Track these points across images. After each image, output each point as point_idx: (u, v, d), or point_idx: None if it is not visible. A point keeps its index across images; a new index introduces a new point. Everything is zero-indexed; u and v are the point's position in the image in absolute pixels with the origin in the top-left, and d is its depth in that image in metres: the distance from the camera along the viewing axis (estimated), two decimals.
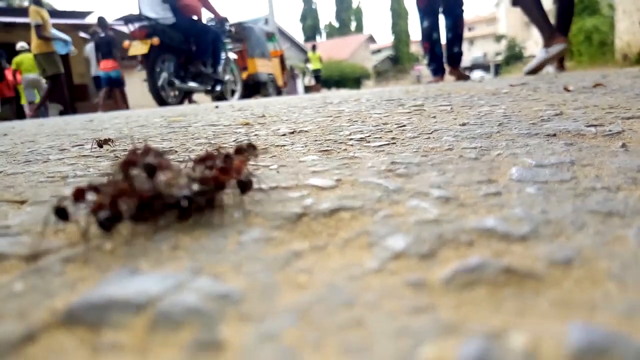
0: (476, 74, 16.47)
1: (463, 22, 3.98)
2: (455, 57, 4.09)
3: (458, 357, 0.23)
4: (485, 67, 18.53)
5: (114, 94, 7.65)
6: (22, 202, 0.64)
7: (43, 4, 6.15)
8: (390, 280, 0.33)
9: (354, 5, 27.35)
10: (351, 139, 1.07)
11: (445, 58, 4.25)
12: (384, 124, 1.36)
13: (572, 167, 0.63)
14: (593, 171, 0.60)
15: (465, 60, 21.54)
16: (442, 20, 4.12)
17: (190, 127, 1.75)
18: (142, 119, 2.56)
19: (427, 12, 3.88)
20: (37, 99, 7.42)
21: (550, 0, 4.12)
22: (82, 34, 11.85)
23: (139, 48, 4.87)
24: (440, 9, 4.01)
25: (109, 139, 1.18)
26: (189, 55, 5.18)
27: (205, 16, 5.48)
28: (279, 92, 10.57)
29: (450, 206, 0.49)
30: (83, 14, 13.02)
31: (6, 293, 0.35)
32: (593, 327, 0.25)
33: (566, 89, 2.20)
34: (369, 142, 1.01)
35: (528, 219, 0.43)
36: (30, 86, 7.51)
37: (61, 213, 0.44)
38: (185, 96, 5.78)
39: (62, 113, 7.32)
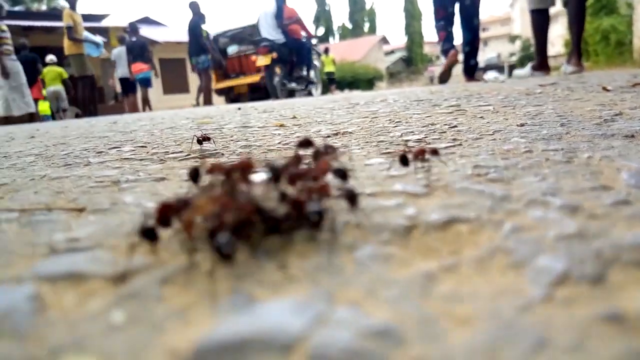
0: (490, 75, 16.30)
1: (479, 37, 4.31)
2: (471, 69, 4.45)
3: None
4: (499, 68, 18.34)
5: (134, 96, 7.83)
6: (81, 210, 0.59)
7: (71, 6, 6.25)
8: (574, 312, 0.27)
9: (368, 7, 27.21)
10: (407, 140, 1.01)
11: (462, 69, 4.56)
12: (431, 124, 1.30)
13: None
14: None
15: (479, 61, 21.40)
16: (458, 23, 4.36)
17: (223, 129, 1.69)
18: (168, 121, 2.52)
19: (447, 20, 4.19)
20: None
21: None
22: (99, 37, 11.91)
23: (264, 60, 6.81)
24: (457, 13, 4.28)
25: (208, 137, 1.10)
26: (292, 64, 7.11)
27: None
28: (291, 94, 10.53)
29: (581, 217, 0.42)
30: (99, 17, 13.09)
31: (105, 326, 0.29)
32: None
33: (605, 89, 2.11)
34: (429, 143, 0.95)
35: None
36: (52, 97, 7.64)
37: (149, 234, 0.38)
38: (290, 94, 7.20)
39: (77, 116, 7.36)
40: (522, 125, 1.11)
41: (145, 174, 0.83)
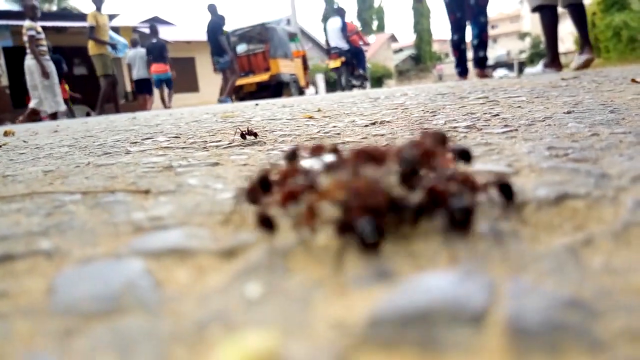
0: (499, 72, 16.20)
1: (487, 31, 4.47)
2: (481, 61, 4.54)
3: None
4: (508, 66, 18.23)
5: (143, 96, 7.91)
6: (146, 192, 0.56)
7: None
8: None
9: (376, 5, 27.11)
10: (456, 127, 0.98)
11: (473, 62, 4.64)
12: (470, 113, 1.27)
13: None
14: None
15: (489, 59, 21.27)
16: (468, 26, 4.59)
17: (251, 121, 1.67)
18: (189, 116, 2.50)
19: (457, 26, 4.45)
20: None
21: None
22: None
23: (335, 64, 8.79)
24: (467, 18, 4.45)
25: (255, 132, 1.05)
26: (354, 66, 8.93)
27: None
28: (301, 92, 10.50)
29: None
30: (109, 17, 13.12)
31: (243, 299, 0.26)
32: None
33: (634, 80, 2.07)
34: (481, 129, 0.92)
35: None
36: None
37: (266, 222, 0.35)
38: (350, 88, 8.68)
39: (88, 114, 7.39)
40: (569, 112, 1.08)
41: (195, 160, 0.81)
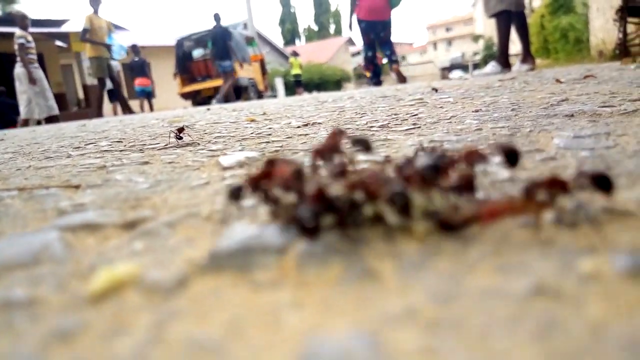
0: (455, 74, 16.61)
1: (394, 50, 5.68)
2: (393, 60, 5.65)
3: None
4: (463, 67, 18.78)
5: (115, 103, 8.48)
6: (77, 187, 0.65)
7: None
8: None
9: (333, 9, 27.46)
10: (372, 127, 1.09)
11: (389, 64, 5.72)
12: (394, 114, 1.39)
13: (609, 137, 0.66)
14: (632, 139, 0.63)
15: (444, 61, 21.73)
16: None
17: (195, 126, 1.75)
18: (138, 122, 2.55)
19: (370, 46, 5.52)
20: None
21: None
22: (59, 43, 11.69)
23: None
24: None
25: (182, 128, 1.17)
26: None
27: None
28: (259, 96, 10.56)
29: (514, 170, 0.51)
30: (59, 22, 12.85)
31: (129, 252, 0.36)
32: None
33: (558, 81, 2.25)
34: (391, 127, 1.04)
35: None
36: None
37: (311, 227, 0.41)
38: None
39: (39, 123, 7.31)
40: (476, 111, 1.21)
41: (129, 160, 0.90)
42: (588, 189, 0.36)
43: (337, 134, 0.54)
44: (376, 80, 5.69)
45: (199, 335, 0.23)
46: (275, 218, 0.37)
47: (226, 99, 7.66)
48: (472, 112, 1.21)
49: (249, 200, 0.46)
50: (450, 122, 1.03)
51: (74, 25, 12.79)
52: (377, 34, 5.44)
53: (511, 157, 0.42)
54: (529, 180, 0.35)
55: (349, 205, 0.35)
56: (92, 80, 12.27)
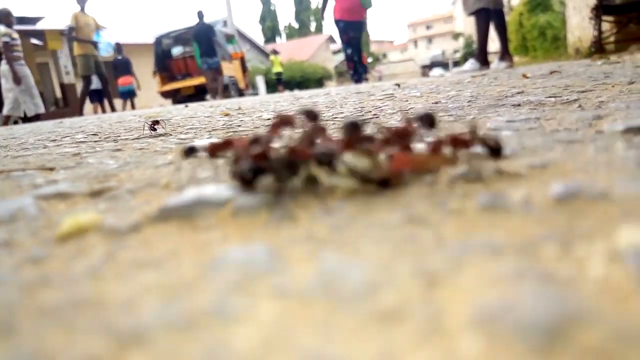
0: (435, 72, 16.75)
1: (362, 54, 6.12)
2: (365, 70, 6.35)
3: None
4: (444, 65, 19.02)
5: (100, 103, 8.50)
6: (51, 169, 0.70)
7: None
8: None
9: (313, 6, 27.54)
10: (336, 118, 1.16)
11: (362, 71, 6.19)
12: (361, 107, 1.46)
13: (537, 121, 0.74)
14: (555, 122, 0.71)
15: (424, 59, 21.88)
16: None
17: (171, 120, 1.80)
18: (115, 118, 2.59)
19: (349, 44, 5.79)
20: None
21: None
22: (34, 41, 11.55)
23: None
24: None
25: (157, 121, 1.22)
26: None
27: None
28: (240, 94, 10.58)
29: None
30: (34, 20, 12.71)
31: (94, 211, 0.42)
32: (568, 184, 0.35)
33: (524, 76, 2.35)
34: (350, 116, 1.11)
35: (509, 147, 0.53)
36: None
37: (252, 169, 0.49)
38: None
39: (16, 122, 7.29)
40: (436, 103, 1.29)
41: (102, 148, 0.95)
42: (483, 151, 0.43)
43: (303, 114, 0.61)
44: (357, 77, 5.90)
45: (143, 258, 0.29)
46: (232, 178, 0.43)
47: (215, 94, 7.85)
48: (432, 104, 1.28)
49: (208, 170, 0.52)
50: (407, 112, 1.10)
51: (50, 22, 12.65)
52: (354, 33, 5.77)
53: (429, 121, 0.52)
54: (435, 138, 0.42)
55: (287, 166, 0.41)
56: (69, 79, 12.19)
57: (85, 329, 0.21)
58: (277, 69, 14.12)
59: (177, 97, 9.82)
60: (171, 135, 1.16)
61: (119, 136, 1.25)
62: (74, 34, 6.34)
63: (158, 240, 0.33)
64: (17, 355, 0.19)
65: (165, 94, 9.99)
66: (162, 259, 0.29)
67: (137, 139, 1.11)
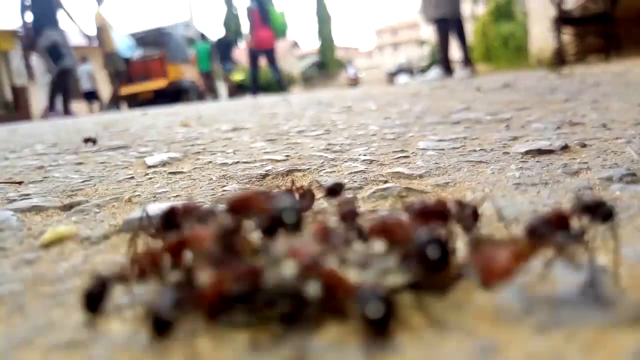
0: (401, 79, 17.04)
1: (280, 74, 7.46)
2: (278, 78, 7.39)
3: None
4: (409, 72, 19.41)
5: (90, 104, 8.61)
6: (20, 183, 0.78)
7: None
8: None
9: (278, 10, 27.70)
10: (289, 132, 1.27)
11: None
12: (318, 121, 1.57)
13: (464, 140, 0.86)
14: (477, 142, 0.83)
15: (390, 65, 22.26)
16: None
17: (130, 130, 1.87)
18: (72, 126, 2.63)
19: (254, 57, 6.93)
20: None
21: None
22: None
23: None
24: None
25: (92, 138, 1.33)
26: None
27: None
28: (200, 98, 10.57)
29: (373, 165, 0.69)
30: None
31: (68, 223, 0.51)
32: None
33: (478, 90, 2.51)
34: (306, 133, 1.21)
35: (425, 167, 0.64)
36: None
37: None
38: None
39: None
40: (386, 118, 1.41)
41: (64, 162, 1.03)
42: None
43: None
44: (254, 90, 7.03)
45: (113, 258, 0.39)
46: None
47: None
48: (382, 119, 1.40)
49: (166, 187, 0.61)
50: (357, 128, 1.21)
51: (1, 23, 12.37)
52: (265, 57, 7.07)
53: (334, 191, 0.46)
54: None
55: None
56: (22, 81, 11.92)
57: (76, 307, 0.30)
58: (239, 77, 14.16)
59: (136, 101, 9.73)
60: (130, 147, 1.24)
61: (79, 148, 1.32)
62: (100, 34, 6.61)
63: (123, 245, 0.42)
64: (29, 324, 0.28)
65: (122, 98, 9.90)
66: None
67: (98, 151, 1.19)
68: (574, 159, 0.63)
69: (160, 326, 0.24)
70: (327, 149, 0.88)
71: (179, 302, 0.25)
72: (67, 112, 6.35)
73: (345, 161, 0.74)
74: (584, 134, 0.82)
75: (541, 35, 9.90)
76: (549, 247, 0.27)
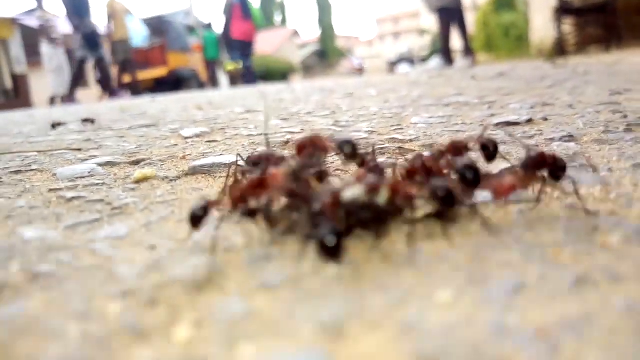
0: (402, 68, 17.11)
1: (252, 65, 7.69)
2: (248, 65, 7.60)
3: None
4: (410, 61, 19.51)
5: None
6: (79, 149, 0.95)
7: None
8: None
9: (278, 0, 27.83)
10: (299, 113, 1.44)
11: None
12: (322, 105, 1.74)
13: (450, 117, 1.03)
14: (461, 118, 1.00)
15: (391, 55, 22.31)
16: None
17: (146, 113, 2.04)
18: (85, 110, 2.79)
19: (234, 49, 7.41)
20: None
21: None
22: None
23: None
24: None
25: (90, 119, 1.49)
26: None
27: None
28: (201, 87, 10.70)
29: (374, 134, 0.86)
30: None
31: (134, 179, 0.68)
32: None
33: (473, 78, 2.67)
34: (314, 113, 1.38)
35: (415, 135, 0.81)
36: None
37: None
38: None
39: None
40: (386, 102, 1.58)
41: (106, 136, 1.20)
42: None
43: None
44: (248, 79, 7.36)
45: (193, 187, 0.56)
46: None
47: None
48: (382, 102, 1.57)
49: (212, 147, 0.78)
50: (359, 110, 1.38)
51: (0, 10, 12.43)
52: (244, 50, 7.39)
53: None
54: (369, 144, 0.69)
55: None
56: (22, 69, 12.03)
57: (182, 219, 0.47)
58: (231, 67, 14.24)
59: (136, 90, 9.85)
60: (159, 125, 1.40)
61: (111, 127, 1.49)
62: (110, 22, 6.70)
63: (193, 182, 0.59)
64: (155, 216, 0.46)
65: (123, 86, 10.03)
66: (204, 188, 0.55)
67: (131, 128, 1.36)
68: (533, 128, 0.80)
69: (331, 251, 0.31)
70: (335, 125, 1.05)
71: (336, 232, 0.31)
72: (71, 99, 6.49)
73: (350, 132, 0.91)
74: (550, 111, 0.99)
75: (542, 26, 10.02)
76: (537, 179, 0.40)
